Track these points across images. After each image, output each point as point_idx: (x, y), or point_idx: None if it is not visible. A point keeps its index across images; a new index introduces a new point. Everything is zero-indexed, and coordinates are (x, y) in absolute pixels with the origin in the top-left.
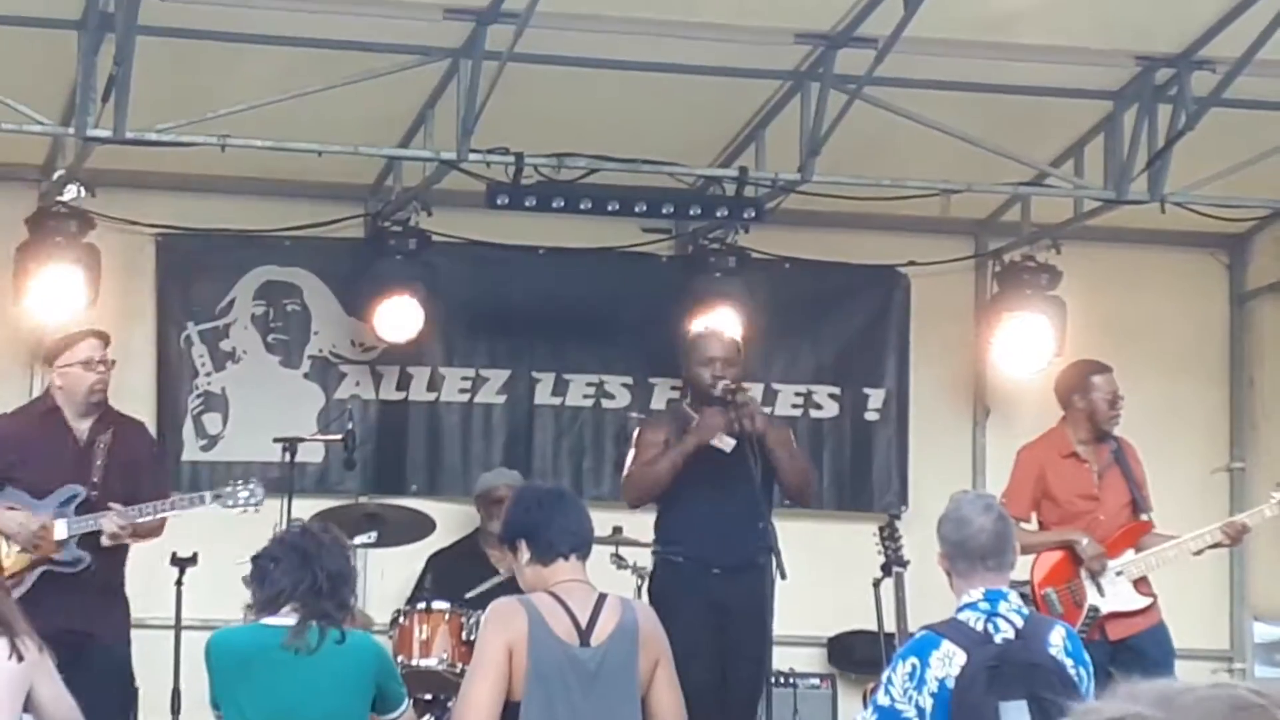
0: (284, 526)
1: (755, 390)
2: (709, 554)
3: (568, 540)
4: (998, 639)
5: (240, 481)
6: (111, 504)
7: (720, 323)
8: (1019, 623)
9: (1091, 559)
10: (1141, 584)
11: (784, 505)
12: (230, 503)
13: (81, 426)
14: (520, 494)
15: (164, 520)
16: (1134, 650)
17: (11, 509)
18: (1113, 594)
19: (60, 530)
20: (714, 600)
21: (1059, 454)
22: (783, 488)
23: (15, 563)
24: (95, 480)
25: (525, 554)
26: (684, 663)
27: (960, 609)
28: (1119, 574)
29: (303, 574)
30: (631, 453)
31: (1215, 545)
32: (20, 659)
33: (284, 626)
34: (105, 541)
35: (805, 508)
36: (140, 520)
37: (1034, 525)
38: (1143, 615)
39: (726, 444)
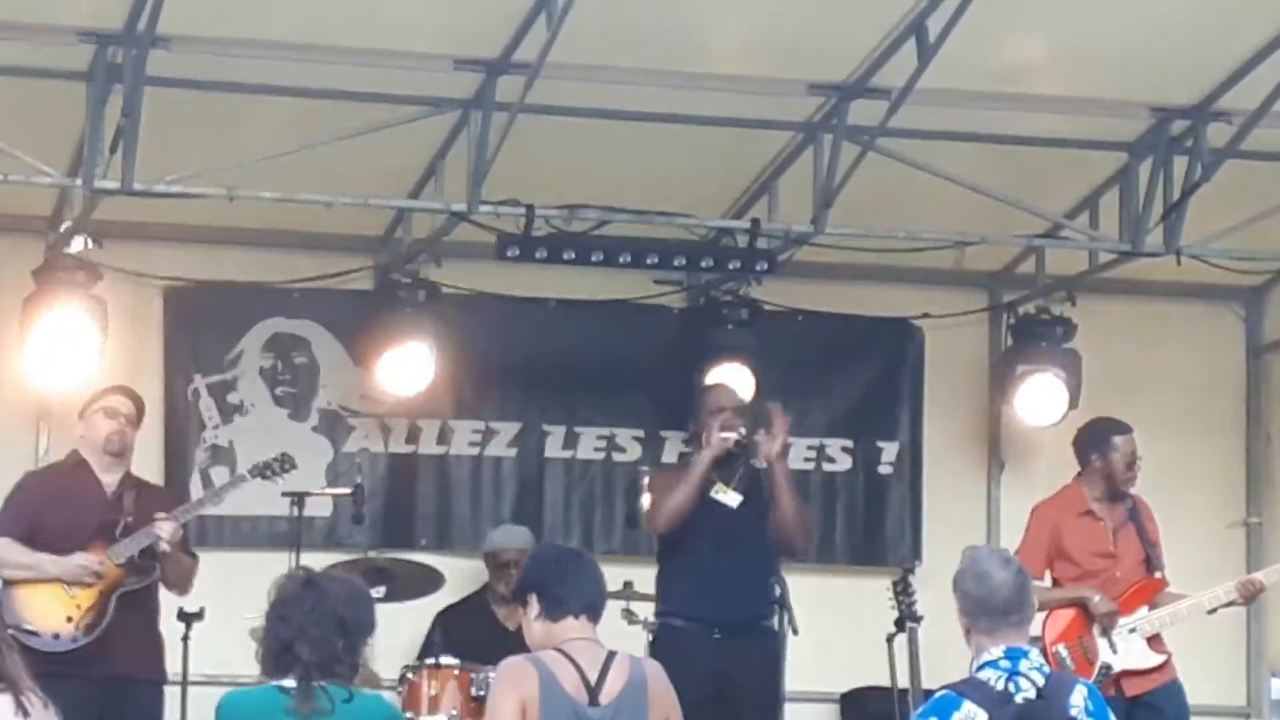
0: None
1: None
2: (710, 614)
3: (579, 599)
4: (1019, 698)
5: (271, 455)
6: (156, 515)
7: (731, 378)
8: (1040, 681)
9: (1104, 615)
10: (1155, 641)
11: (796, 560)
12: (269, 473)
13: (108, 479)
14: (539, 551)
15: (194, 567)
16: (1150, 707)
17: (65, 554)
18: (1125, 651)
19: (117, 555)
20: (715, 669)
21: (1075, 512)
22: (779, 530)
23: (86, 598)
24: (129, 518)
25: (535, 609)
26: None
27: (980, 667)
28: (1132, 631)
29: (312, 628)
30: (647, 496)
31: (1229, 604)
32: (26, 715)
33: (293, 689)
34: (164, 547)
35: (794, 559)
36: (190, 518)
37: (1048, 583)
38: (1158, 672)
39: (732, 499)
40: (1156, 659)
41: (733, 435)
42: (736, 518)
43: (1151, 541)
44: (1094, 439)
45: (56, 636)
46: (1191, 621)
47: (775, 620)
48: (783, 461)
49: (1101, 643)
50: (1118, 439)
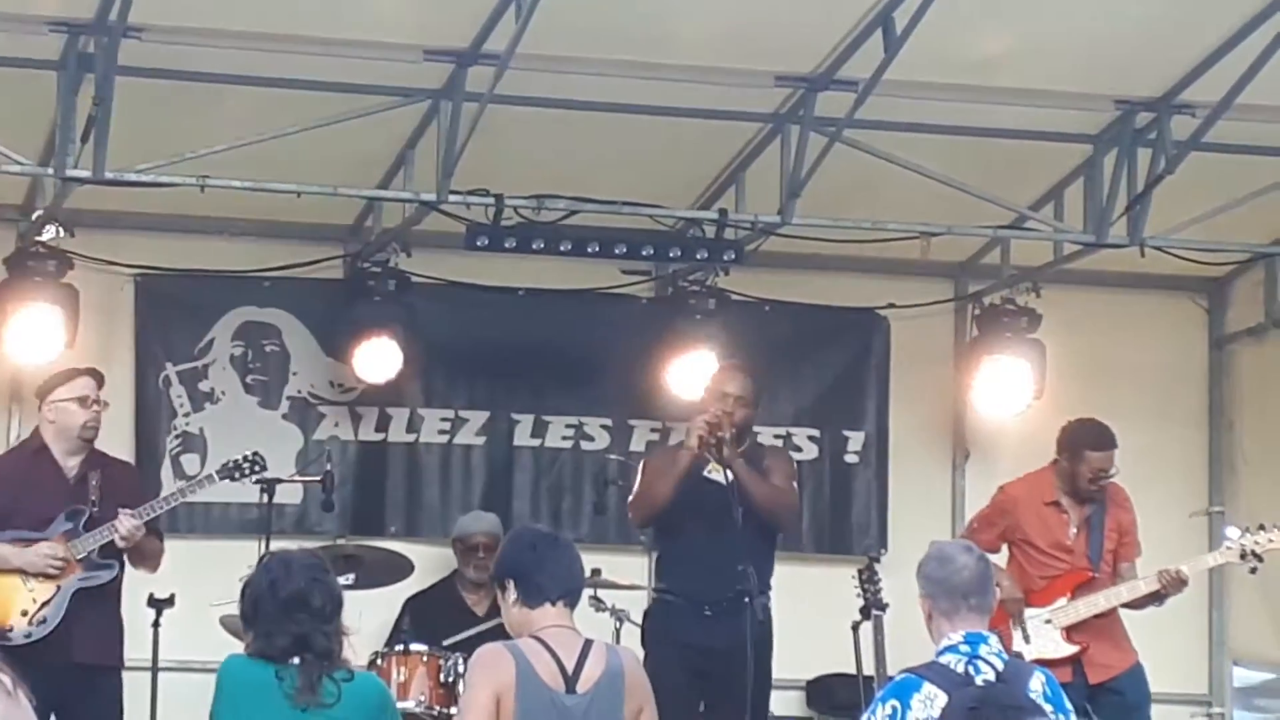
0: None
1: None
2: (701, 590)
3: (556, 586)
4: (979, 680)
5: (240, 456)
6: (120, 509)
7: (698, 366)
8: (999, 666)
9: (1006, 602)
10: (1074, 632)
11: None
12: (237, 475)
13: (70, 464)
14: (515, 534)
15: (161, 549)
16: (1113, 692)
17: (29, 543)
18: (1038, 641)
19: (77, 549)
20: (704, 644)
21: (1040, 499)
22: (762, 513)
23: (43, 591)
24: (94, 505)
25: (512, 594)
26: (665, 707)
27: (941, 652)
28: (1047, 621)
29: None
30: (639, 480)
31: (1155, 595)
32: None
33: (292, 670)
34: (120, 544)
35: (788, 533)
36: (153, 516)
37: (1002, 561)
38: (1119, 657)
39: (723, 477)
40: (1068, 649)
41: (703, 430)
42: (727, 497)
43: (1115, 534)
44: (1071, 442)
45: (10, 629)
46: (1150, 611)
47: (764, 602)
48: (737, 462)
49: (1016, 633)
50: (1091, 454)
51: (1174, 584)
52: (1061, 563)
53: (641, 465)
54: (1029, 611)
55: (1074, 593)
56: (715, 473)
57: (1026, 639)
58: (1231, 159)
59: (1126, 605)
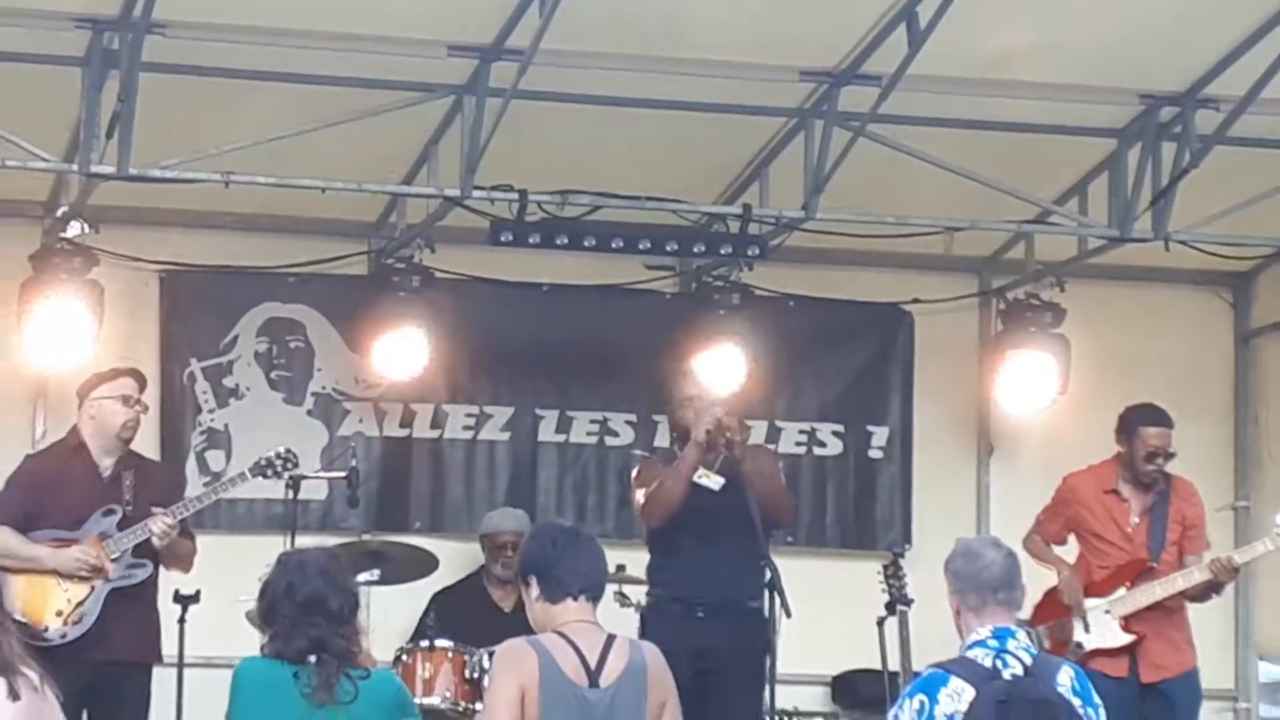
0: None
1: (759, 427)
2: (694, 593)
3: (577, 581)
4: (1006, 675)
5: (273, 453)
6: (153, 508)
7: (723, 361)
8: (1028, 660)
9: (1065, 592)
10: (1133, 622)
11: (786, 543)
12: (269, 472)
13: (105, 463)
14: (537, 530)
15: (193, 549)
16: (1163, 695)
17: (63, 545)
18: (1098, 630)
19: (111, 549)
20: (697, 647)
21: (1101, 488)
22: (761, 506)
23: (78, 591)
24: (128, 504)
25: (535, 590)
26: None
27: (969, 647)
28: (1106, 611)
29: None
30: (640, 490)
31: (1209, 584)
32: (16, 698)
33: (309, 669)
34: (156, 543)
35: (781, 528)
36: (186, 515)
37: (1071, 551)
38: (1175, 660)
39: (715, 482)
40: (1125, 638)
41: (720, 479)
42: (719, 500)
43: (1179, 526)
44: (1127, 424)
45: (45, 629)
46: (1175, 609)
47: (764, 602)
48: (747, 464)
49: (1076, 623)
50: (1145, 429)
51: (1225, 572)
52: (1122, 553)
53: (636, 473)
54: (1089, 602)
55: (1133, 583)
56: (706, 478)
57: (1086, 629)
58: (1256, 153)
59: (1186, 597)
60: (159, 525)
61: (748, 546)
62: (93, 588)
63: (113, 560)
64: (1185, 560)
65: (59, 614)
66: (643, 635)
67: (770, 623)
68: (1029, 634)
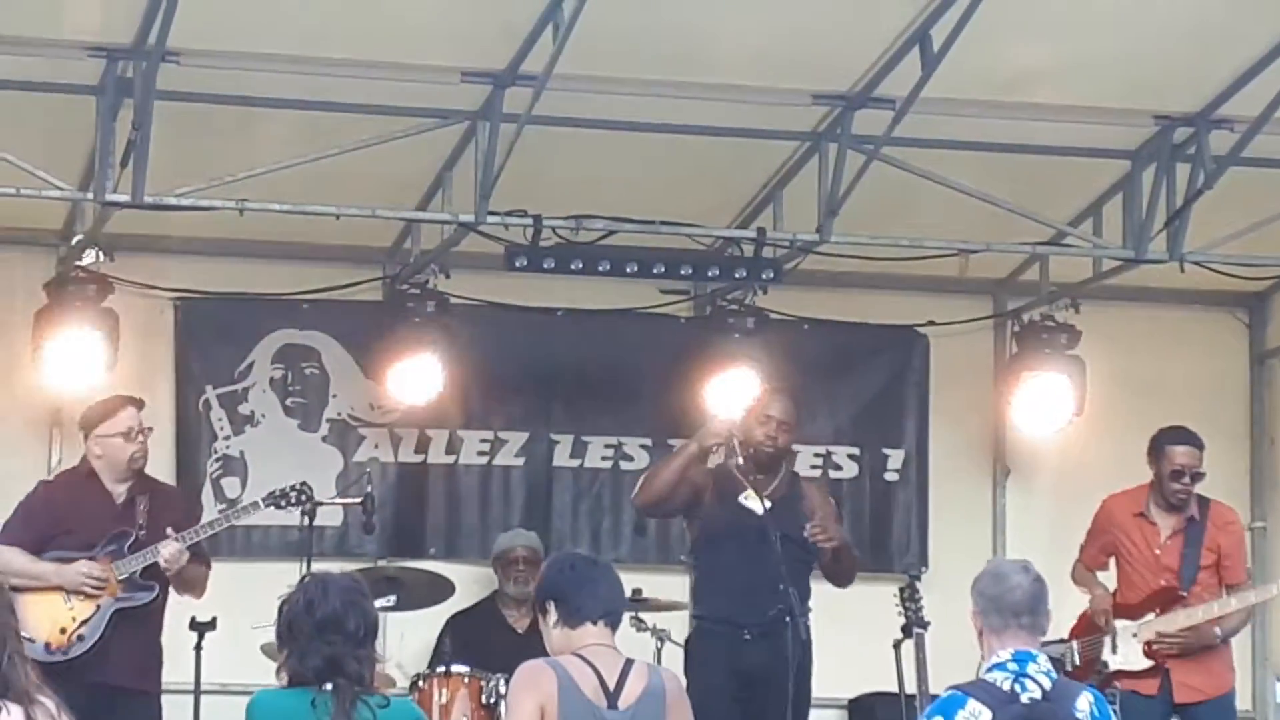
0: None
1: None
2: (738, 615)
3: (597, 606)
4: (1024, 698)
5: (288, 485)
6: (166, 532)
7: (738, 384)
8: (1046, 684)
9: (1095, 613)
10: (1164, 648)
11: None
12: (284, 504)
13: (119, 489)
14: (555, 558)
15: (205, 575)
16: (1195, 718)
17: (69, 560)
18: (1123, 653)
19: (120, 570)
20: (743, 667)
21: (1131, 511)
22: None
23: (83, 609)
24: (141, 529)
25: (554, 615)
26: None
27: (988, 669)
28: (1134, 635)
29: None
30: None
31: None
32: None
33: (325, 695)
34: (164, 566)
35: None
36: (197, 540)
37: (1110, 574)
38: (1210, 683)
39: (758, 506)
40: (1145, 663)
41: (765, 504)
42: (763, 523)
43: (1214, 554)
44: (1155, 444)
45: (47, 647)
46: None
47: (808, 624)
48: (842, 544)
49: (1105, 641)
50: (1172, 449)
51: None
52: (1151, 575)
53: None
54: (1121, 624)
55: (1163, 609)
56: (751, 500)
57: (1114, 649)
58: (1271, 173)
59: (1220, 626)
60: (168, 550)
61: (792, 568)
62: (98, 606)
63: (120, 580)
64: (1225, 592)
65: (63, 631)
66: (687, 656)
67: (809, 645)
68: (1064, 648)
